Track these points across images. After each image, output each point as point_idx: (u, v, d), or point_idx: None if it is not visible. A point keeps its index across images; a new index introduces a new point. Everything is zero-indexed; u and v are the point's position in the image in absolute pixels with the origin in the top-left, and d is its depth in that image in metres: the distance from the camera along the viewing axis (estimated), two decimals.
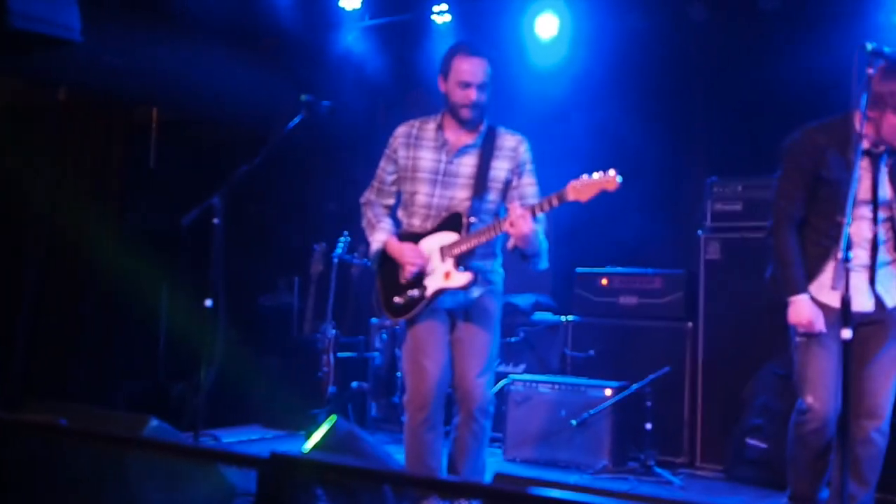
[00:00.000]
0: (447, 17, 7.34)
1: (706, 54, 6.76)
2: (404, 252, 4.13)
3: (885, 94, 3.87)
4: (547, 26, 7.09)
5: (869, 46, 3.73)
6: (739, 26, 6.58)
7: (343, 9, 7.62)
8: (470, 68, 4.08)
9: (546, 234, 4.09)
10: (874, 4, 6.09)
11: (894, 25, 5.82)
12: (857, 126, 3.80)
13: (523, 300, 6.83)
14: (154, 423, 3.56)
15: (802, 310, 4.01)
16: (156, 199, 7.52)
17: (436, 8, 7.36)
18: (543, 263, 4.11)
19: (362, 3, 7.60)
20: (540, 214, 3.94)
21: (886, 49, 3.79)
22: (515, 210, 3.88)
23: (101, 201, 7.20)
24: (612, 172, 3.80)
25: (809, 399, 4.03)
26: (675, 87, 6.81)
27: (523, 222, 3.83)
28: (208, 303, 4.69)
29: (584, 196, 3.82)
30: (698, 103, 6.77)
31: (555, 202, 3.85)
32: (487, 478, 4.27)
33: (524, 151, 4.22)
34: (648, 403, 5.76)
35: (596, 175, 3.81)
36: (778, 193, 4.20)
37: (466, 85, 4.08)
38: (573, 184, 3.83)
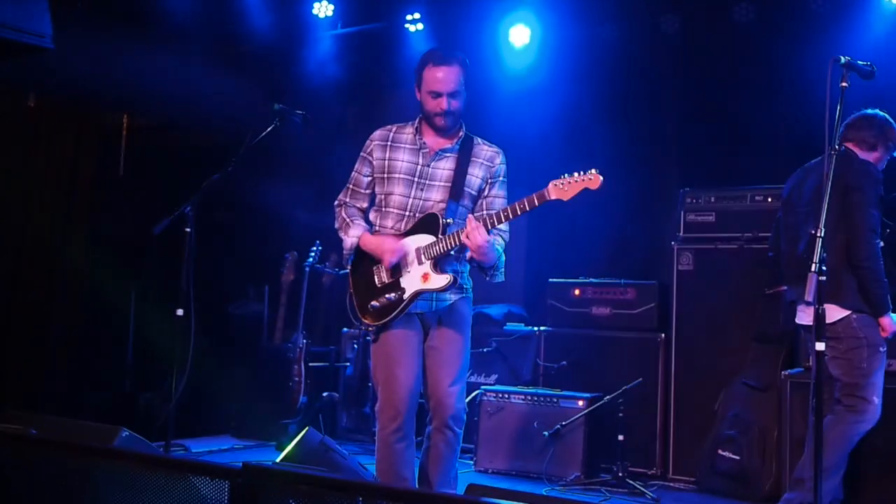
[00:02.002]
0: (420, 26, 7.34)
1: (679, 65, 6.81)
2: (382, 243, 4.08)
3: None
4: (520, 36, 7.11)
5: (842, 59, 3.78)
6: (713, 38, 6.63)
7: (316, 16, 7.60)
8: (441, 76, 4.07)
9: (510, 246, 4.10)
10: (848, 18, 6.16)
11: (868, 38, 5.88)
12: None
13: (496, 310, 6.82)
14: (125, 433, 3.51)
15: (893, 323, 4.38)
16: (125, 207, 7.44)
17: (409, 17, 7.35)
18: (500, 277, 4.11)
19: (335, 11, 7.58)
20: (502, 224, 3.94)
21: (860, 62, 3.84)
22: (470, 221, 3.89)
23: (70, 209, 7.12)
24: (593, 171, 3.80)
25: (876, 400, 4.36)
26: (648, 98, 6.84)
27: (477, 233, 3.84)
28: (179, 312, 4.63)
29: (567, 195, 3.80)
30: (671, 114, 6.80)
31: (536, 202, 3.83)
32: (460, 488, 4.25)
33: (500, 163, 4.22)
34: (621, 415, 5.76)
35: (577, 174, 3.81)
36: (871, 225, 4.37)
37: (437, 94, 4.08)
38: (555, 182, 3.82)
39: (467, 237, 3.86)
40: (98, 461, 2.95)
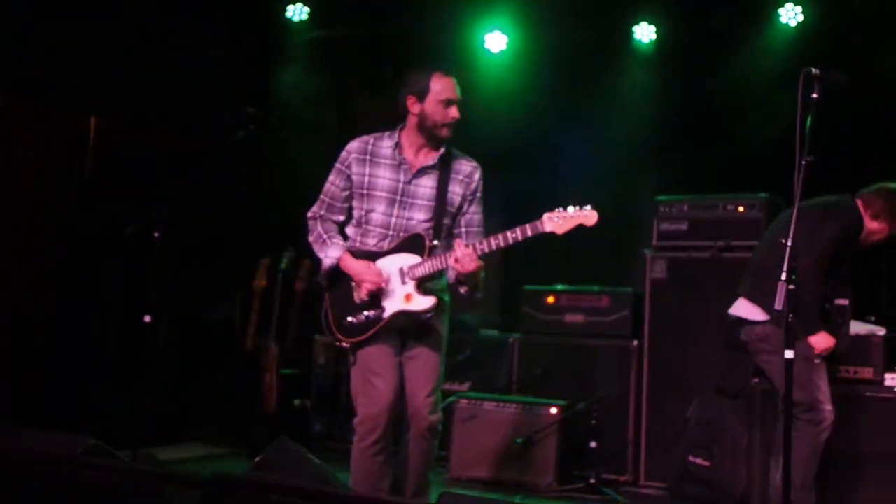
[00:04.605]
0: (394, 32, 7.32)
1: (653, 73, 6.83)
2: (362, 270, 4.03)
3: None
4: (496, 42, 7.12)
5: (814, 71, 3.80)
6: (687, 45, 6.66)
7: (290, 20, 7.56)
8: (451, 86, 4.06)
9: (489, 254, 4.08)
10: (819, 28, 6.22)
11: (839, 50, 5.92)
12: None
13: (469, 317, 6.80)
14: (91, 442, 3.45)
15: (828, 338, 4.52)
16: (93, 210, 7.33)
17: (385, 22, 7.33)
18: (480, 293, 4.09)
19: (310, 15, 7.54)
20: (493, 250, 3.91)
21: (830, 75, 3.87)
22: (461, 247, 3.86)
23: (36, 213, 7.00)
24: (589, 207, 3.81)
25: (829, 406, 4.53)
26: (622, 105, 6.86)
27: (469, 261, 3.83)
28: (146, 318, 4.57)
29: (562, 229, 3.80)
30: (646, 121, 6.81)
31: (529, 233, 3.82)
32: (433, 497, 4.22)
33: (478, 179, 4.19)
34: (594, 422, 5.77)
35: (572, 209, 3.80)
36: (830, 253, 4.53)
37: (451, 102, 4.04)
38: (549, 216, 3.81)
39: (456, 261, 3.85)
40: (64, 471, 2.90)
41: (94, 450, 3.46)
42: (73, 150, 7.48)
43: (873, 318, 5.05)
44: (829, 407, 4.50)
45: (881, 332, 5.02)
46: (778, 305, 3.63)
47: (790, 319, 3.62)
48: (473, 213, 4.18)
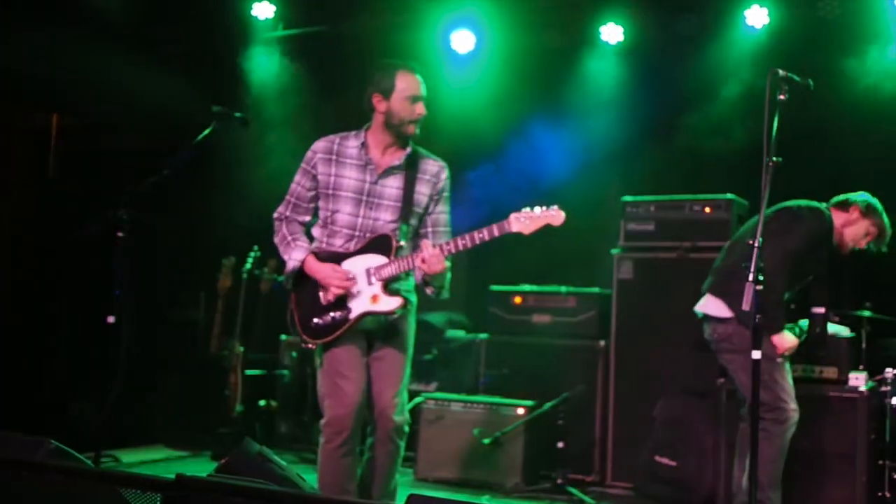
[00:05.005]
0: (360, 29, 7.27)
1: (620, 73, 6.86)
2: (328, 273, 3.99)
3: None
4: (463, 42, 7.10)
5: (780, 72, 3.83)
6: (654, 46, 6.69)
7: (256, 18, 7.49)
8: (417, 82, 4.07)
9: (456, 255, 4.07)
10: (785, 31, 6.27)
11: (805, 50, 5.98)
12: None
13: (436, 318, 6.78)
14: (52, 445, 3.38)
15: (790, 338, 4.52)
16: (55, 209, 7.23)
17: (351, 20, 7.29)
18: (446, 294, 4.09)
19: (275, 13, 7.48)
20: (460, 250, 3.90)
21: (796, 77, 3.90)
22: (428, 248, 3.85)
23: None
24: (555, 207, 3.81)
25: (793, 405, 4.53)
26: (589, 106, 6.87)
27: (436, 261, 3.83)
28: (110, 319, 4.49)
29: (528, 230, 3.80)
30: (613, 122, 6.83)
31: (496, 233, 3.82)
32: (400, 498, 4.20)
33: (445, 178, 4.18)
34: (561, 422, 5.77)
35: (539, 209, 3.80)
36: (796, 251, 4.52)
37: (416, 99, 4.05)
38: (516, 216, 3.81)
39: (423, 261, 3.83)
40: (23, 475, 2.84)
41: (54, 452, 3.40)
42: (34, 148, 7.38)
43: (837, 319, 5.09)
44: (792, 406, 4.52)
45: (846, 332, 5.06)
46: (745, 306, 3.65)
47: (757, 320, 3.64)
48: (440, 213, 4.17)
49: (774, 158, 3.78)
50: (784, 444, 4.53)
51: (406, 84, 4.05)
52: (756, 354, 3.66)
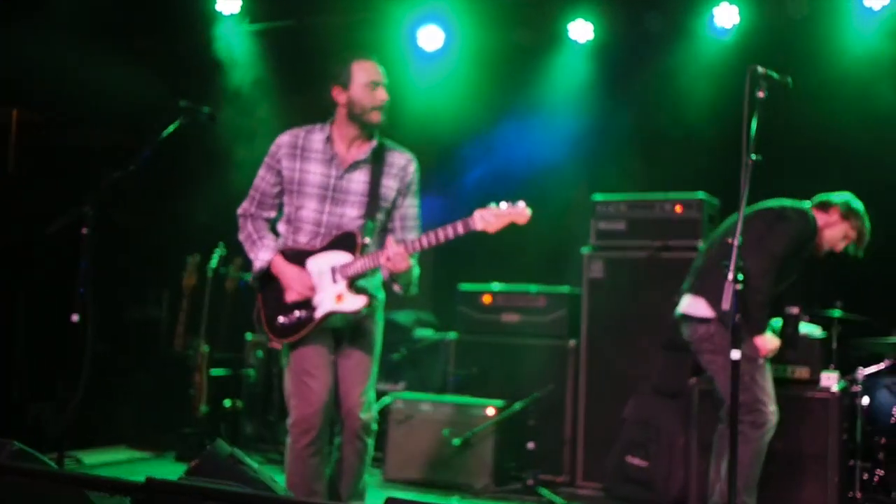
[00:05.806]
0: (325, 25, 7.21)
1: (592, 72, 6.85)
2: (293, 278, 3.93)
3: None
4: (430, 38, 7.05)
5: (759, 70, 3.82)
6: (625, 45, 6.69)
7: (220, 13, 7.39)
8: (374, 68, 4.02)
9: (423, 254, 4.02)
10: (754, 29, 6.30)
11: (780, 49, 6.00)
12: None
13: (404, 317, 6.73)
14: (14, 446, 3.29)
15: (773, 339, 4.53)
16: (15, 206, 7.06)
17: (316, 16, 7.22)
18: (414, 290, 4.04)
19: (242, 7, 7.39)
20: (426, 248, 3.84)
21: (775, 75, 3.89)
22: (392, 245, 3.80)
23: None
24: (521, 204, 3.75)
25: (773, 407, 4.51)
26: (560, 104, 6.85)
27: (400, 259, 3.78)
28: (74, 317, 4.38)
29: (493, 227, 3.75)
30: (583, 120, 6.82)
31: (461, 230, 3.76)
32: (370, 500, 4.14)
33: (413, 171, 4.13)
34: (531, 422, 5.74)
35: (504, 205, 3.74)
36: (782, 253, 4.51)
37: (377, 84, 3.99)
38: (481, 213, 3.75)
39: (388, 259, 3.78)
40: None
41: (17, 454, 3.32)
42: None
43: (808, 318, 5.10)
44: (772, 408, 4.50)
45: (818, 332, 5.07)
46: (725, 305, 3.63)
47: (737, 320, 3.62)
48: (409, 207, 4.12)
49: (753, 156, 3.76)
50: (761, 448, 4.50)
51: (363, 71, 3.99)
52: (735, 354, 3.64)
